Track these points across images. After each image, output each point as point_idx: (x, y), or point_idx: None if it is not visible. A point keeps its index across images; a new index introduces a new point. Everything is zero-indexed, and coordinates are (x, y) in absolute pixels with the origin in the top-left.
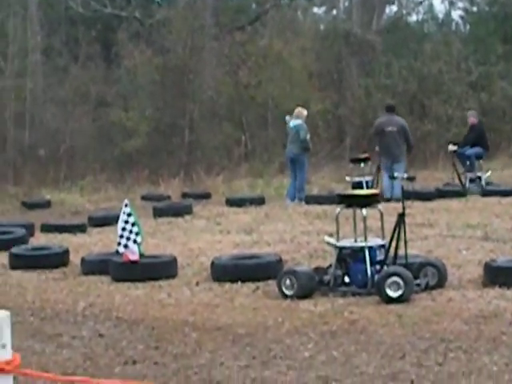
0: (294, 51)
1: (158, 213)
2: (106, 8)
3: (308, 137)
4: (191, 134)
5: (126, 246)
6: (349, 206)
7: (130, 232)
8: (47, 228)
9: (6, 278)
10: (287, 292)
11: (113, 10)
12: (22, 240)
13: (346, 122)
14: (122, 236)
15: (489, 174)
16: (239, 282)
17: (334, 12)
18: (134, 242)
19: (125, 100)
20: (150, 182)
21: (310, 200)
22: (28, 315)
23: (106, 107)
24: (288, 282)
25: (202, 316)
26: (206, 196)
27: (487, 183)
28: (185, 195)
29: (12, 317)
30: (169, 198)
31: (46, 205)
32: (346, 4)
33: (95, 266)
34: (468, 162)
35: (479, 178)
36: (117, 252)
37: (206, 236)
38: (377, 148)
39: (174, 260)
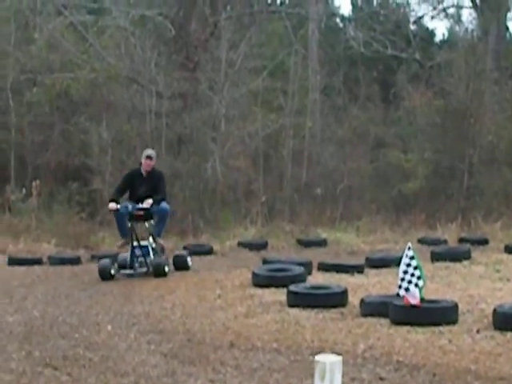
0: None
1: (436, 257)
2: (386, 49)
3: None
4: (470, 179)
5: (407, 290)
6: None
7: (412, 275)
8: (325, 267)
9: (283, 315)
10: None
11: (393, 52)
12: (301, 278)
13: None
14: (403, 279)
15: None
16: None
17: None
18: (416, 285)
19: (403, 141)
20: (427, 225)
21: None
22: (307, 354)
23: (384, 148)
24: None
25: (484, 365)
26: (484, 242)
27: None
28: (462, 240)
29: (290, 355)
30: (445, 242)
31: (322, 243)
32: None
33: (374, 308)
34: None
35: None
36: (397, 295)
37: (485, 283)
38: None
39: (455, 306)
